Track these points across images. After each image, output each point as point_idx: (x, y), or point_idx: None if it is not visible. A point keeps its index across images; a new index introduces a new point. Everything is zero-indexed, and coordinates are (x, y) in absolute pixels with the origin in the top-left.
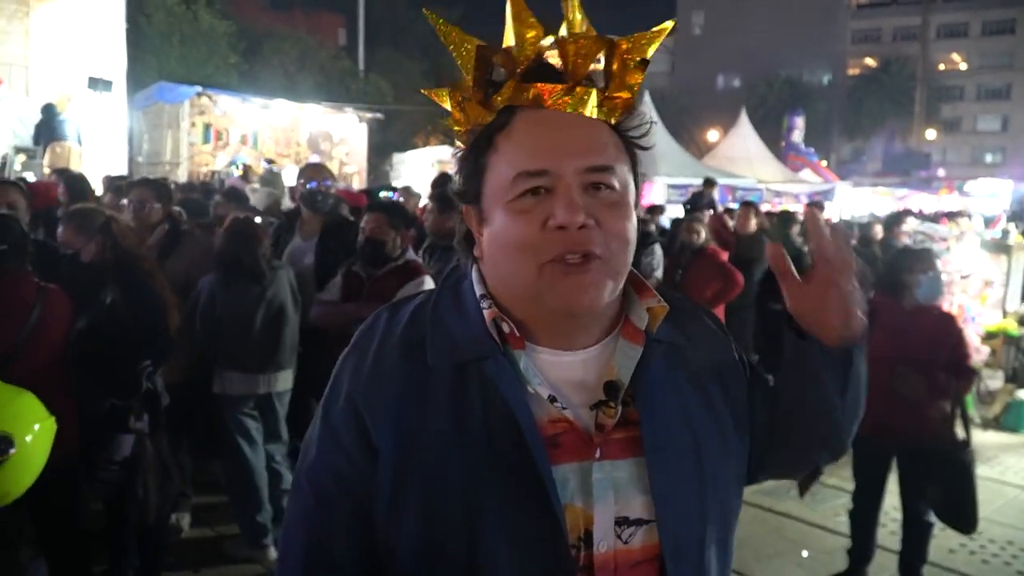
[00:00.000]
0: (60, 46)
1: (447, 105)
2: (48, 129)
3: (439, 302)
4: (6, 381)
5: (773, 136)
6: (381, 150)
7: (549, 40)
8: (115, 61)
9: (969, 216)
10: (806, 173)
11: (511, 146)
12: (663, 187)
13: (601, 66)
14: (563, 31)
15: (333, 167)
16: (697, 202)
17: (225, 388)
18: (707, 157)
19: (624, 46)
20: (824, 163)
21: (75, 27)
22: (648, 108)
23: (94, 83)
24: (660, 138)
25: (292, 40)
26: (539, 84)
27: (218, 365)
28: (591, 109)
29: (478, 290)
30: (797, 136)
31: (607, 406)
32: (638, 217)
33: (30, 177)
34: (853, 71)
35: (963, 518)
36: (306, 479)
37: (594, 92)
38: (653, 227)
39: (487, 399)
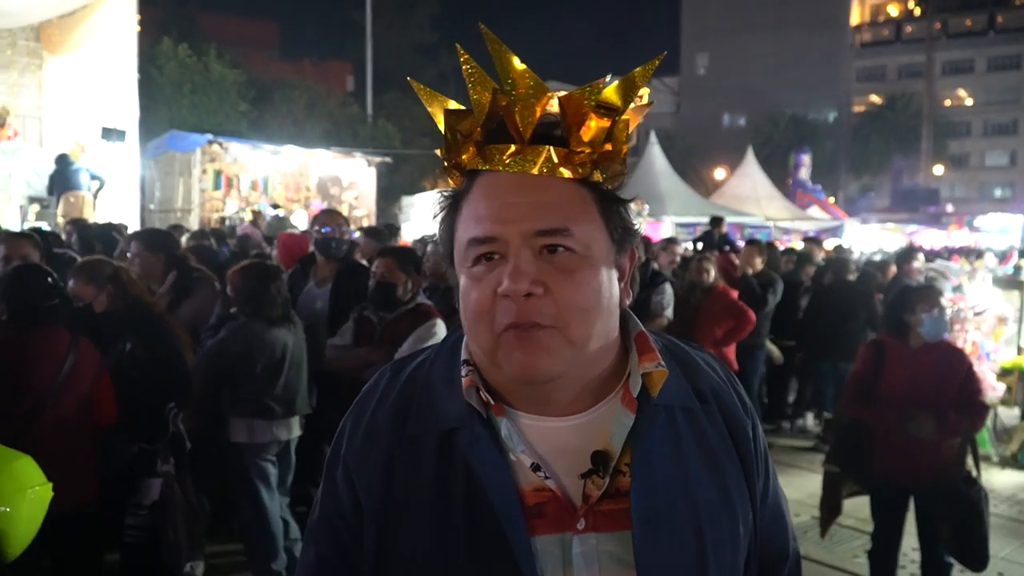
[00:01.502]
0: (73, 97)
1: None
2: (62, 179)
3: (434, 365)
4: (37, 426)
5: (780, 174)
6: (390, 193)
7: (503, 100)
8: (127, 111)
9: (982, 254)
10: (814, 210)
11: (467, 211)
12: (671, 226)
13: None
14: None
15: (342, 211)
16: (708, 241)
17: (251, 437)
18: (714, 196)
19: (576, 97)
20: (832, 200)
21: (88, 78)
22: (654, 148)
23: (107, 133)
24: (667, 178)
25: (301, 88)
26: (493, 146)
27: (240, 414)
28: (549, 168)
29: (463, 355)
30: (804, 173)
31: (596, 476)
32: (643, 258)
33: (44, 226)
34: (859, 108)
35: (974, 555)
36: (310, 535)
37: (548, 149)
38: (656, 265)
39: (468, 470)
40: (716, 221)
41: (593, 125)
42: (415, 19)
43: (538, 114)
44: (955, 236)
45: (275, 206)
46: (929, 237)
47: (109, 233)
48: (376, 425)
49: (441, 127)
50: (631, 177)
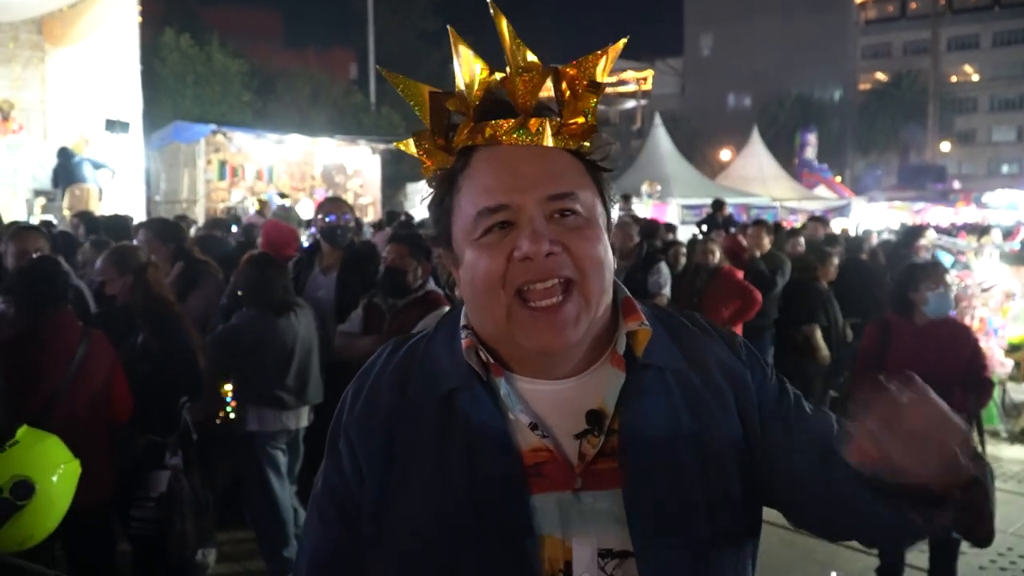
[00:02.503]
0: (76, 90)
1: (414, 153)
2: (66, 172)
3: (434, 337)
4: (49, 421)
5: (786, 154)
6: (394, 181)
7: (498, 77)
8: (131, 103)
9: (988, 230)
10: (821, 190)
11: (471, 185)
12: (677, 208)
13: (553, 95)
14: (507, 62)
15: (348, 199)
16: (712, 224)
17: (262, 425)
18: (720, 177)
19: (571, 72)
20: (838, 179)
21: (90, 71)
22: (659, 130)
23: (111, 125)
24: (672, 160)
25: (304, 77)
26: (492, 122)
27: (252, 402)
28: (547, 139)
29: (462, 321)
30: (810, 153)
31: (592, 435)
32: (638, 238)
33: (52, 219)
34: (864, 86)
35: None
36: (314, 503)
37: (547, 122)
38: (646, 245)
39: (468, 431)
40: (718, 204)
41: (585, 99)
42: (418, 5)
43: (540, 88)
44: (963, 213)
45: (282, 195)
46: (937, 214)
47: (118, 225)
48: (376, 394)
49: (417, 110)
50: (637, 159)
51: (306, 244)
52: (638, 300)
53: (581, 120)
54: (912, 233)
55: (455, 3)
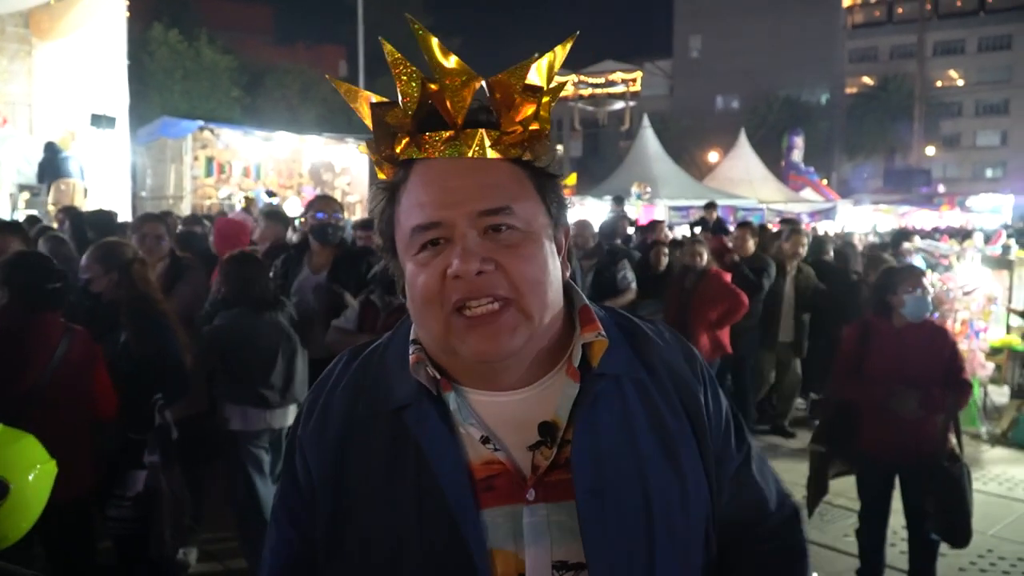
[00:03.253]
0: (63, 84)
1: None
2: (52, 167)
3: (388, 349)
4: (27, 418)
5: (773, 156)
6: None
7: (434, 88)
8: (118, 97)
9: (970, 234)
10: (807, 192)
11: (407, 200)
12: (664, 210)
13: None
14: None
15: (335, 197)
16: (704, 226)
17: (246, 424)
18: (708, 179)
19: (503, 80)
20: (825, 182)
21: (77, 65)
22: (647, 132)
23: (97, 120)
24: (660, 161)
25: (294, 73)
26: (427, 135)
27: (235, 401)
28: (484, 150)
29: (411, 335)
30: (797, 155)
31: (544, 447)
32: (593, 240)
33: (36, 214)
34: (851, 90)
35: (957, 532)
36: (273, 516)
37: (481, 132)
38: (606, 243)
39: (417, 445)
40: (710, 206)
41: (521, 106)
42: (408, 2)
43: (468, 99)
44: (947, 216)
45: (270, 193)
46: (921, 218)
47: (102, 220)
48: (329, 407)
49: (367, 121)
50: (625, 161)
51: (294, 240)
52: (598, 305)
53: (519, 129)
54: (898, 237)
55: (444, 1)
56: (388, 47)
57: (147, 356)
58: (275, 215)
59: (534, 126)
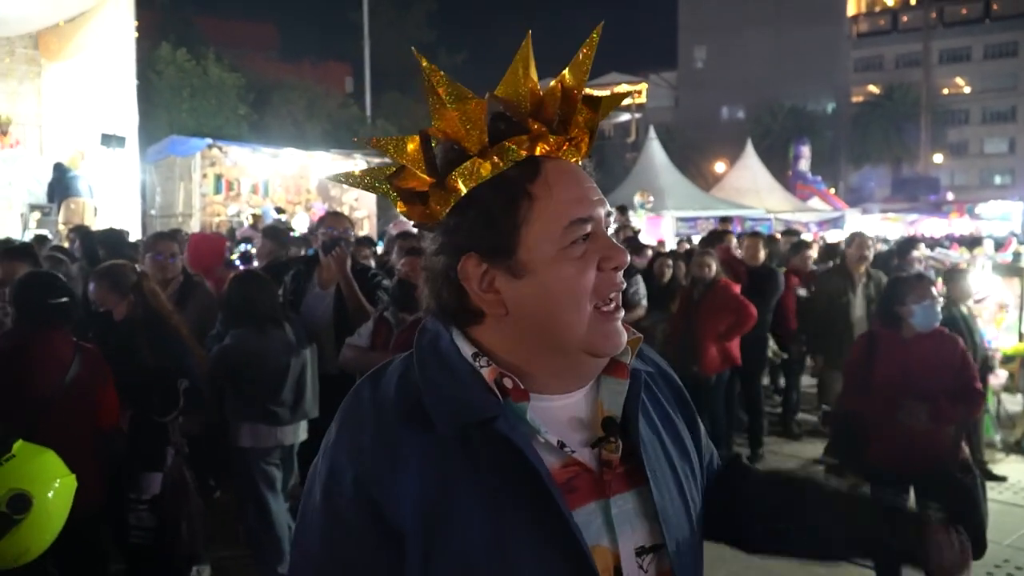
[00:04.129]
0: (72, 104)
1: (406, 161)
2: (61, 186)
3: (424, 366)
4: (40, 434)
5: (780, 166)
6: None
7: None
8: (127, 117)
9: (980, 241)
10: (815, 201)
11: (555, 194)
12: (671, 220)
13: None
14: (565, 84)
15: (344, 212)
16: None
17: (256, 441)
18: (715, 189)
19: (605, 98)
20: (832, 191)
21: (87, 85)
22: (653, 143)
23: (107, 139)
24: (666, 172)
25: (300, 90)
26: (555, 137)
27: (246, 418)
28: (584, 154)
29: (467, 349)
30: (804, 165)
31: (608, 442)
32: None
33: (47, 234)
34: (857, 98)
35: (971, 542)
36: (312, 567)
37: (586, 139)
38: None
39: (499, 457)
40: (724, 220)
41: (594, 119)
42: (412, 18)
43: (577, 108)
44: (956, 224)
45: (279, 210)
46: (930, 226)
47: (113, 238)
48: (387, 435)
49: (460, 115)
50: (632, 172)
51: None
52: (626, 318)
53: (588, 135)
54: (906, 245)
55: (449, 16)
56: (527, 46)
57: (164, 370)
58: (273, 232)
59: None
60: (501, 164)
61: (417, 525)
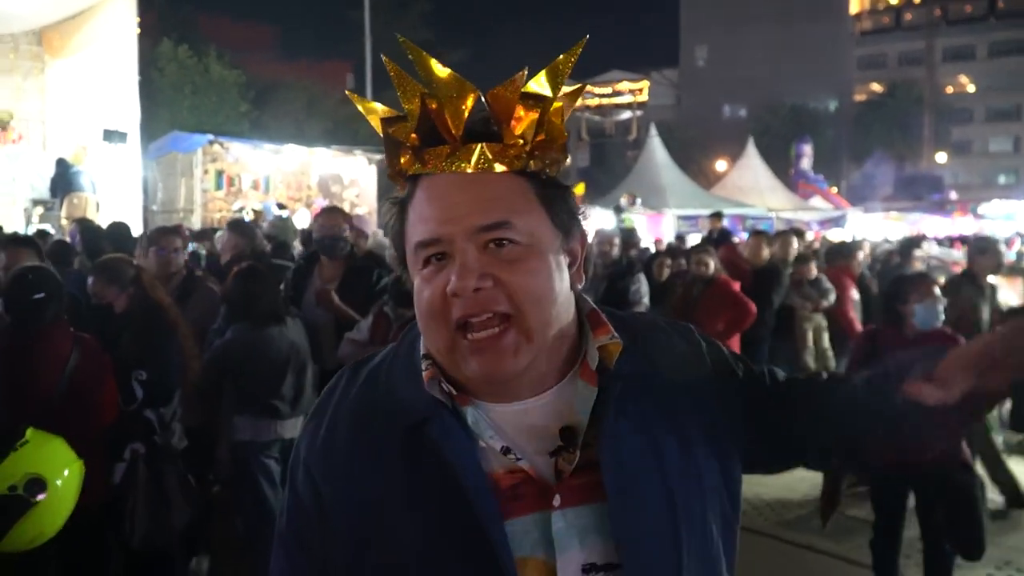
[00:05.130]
0: (75, 100)
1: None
2: (63, 181)
3: (394, 363)
4: (44, 427)
5: (781, 164)
6: (391, 191)
7: (433, 105)
8: (129, 113)
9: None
10: (816, 200)
11: (412, 215)
12: (672, 219)
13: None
14: (431, 88)
15: (344, 209)
16: (718, 237)
17: (256, 435)
18: (716, 187)
19: (501, 92)
20: (834, 190)
21: (89, 82)
22: (654, 141)
23: (109, 135)
24: (668, 170)
25: (300, 87)
26: (430, 150)
27: (246, 412)
28: (485, 164)
29: (421, 350)
30: (806, 163)
31: (567, 452)
32: (616, 250)
33: (49, 229)
34: (859, 97)
35: (968, 544)
36: (280, 542)
37: (481, 146)
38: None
39: (438, 461)
40: (715, 215)
41: (523, 117)
42: (412, 16)
43: (465, 113)
44: (959, 223)
45: (280, 206)
46: (933, 225)
47: (117, 232)
48: (336, 425)
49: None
50: (632, 170)
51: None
52: (606, 309)
53: (521, 141)
54: (908, 244)
55: (448, 14)
56: (391, 64)
57: (120, 360)
58: (239, 226)
59: (540, 136)
60: (401, 181)
61: (346, 515)
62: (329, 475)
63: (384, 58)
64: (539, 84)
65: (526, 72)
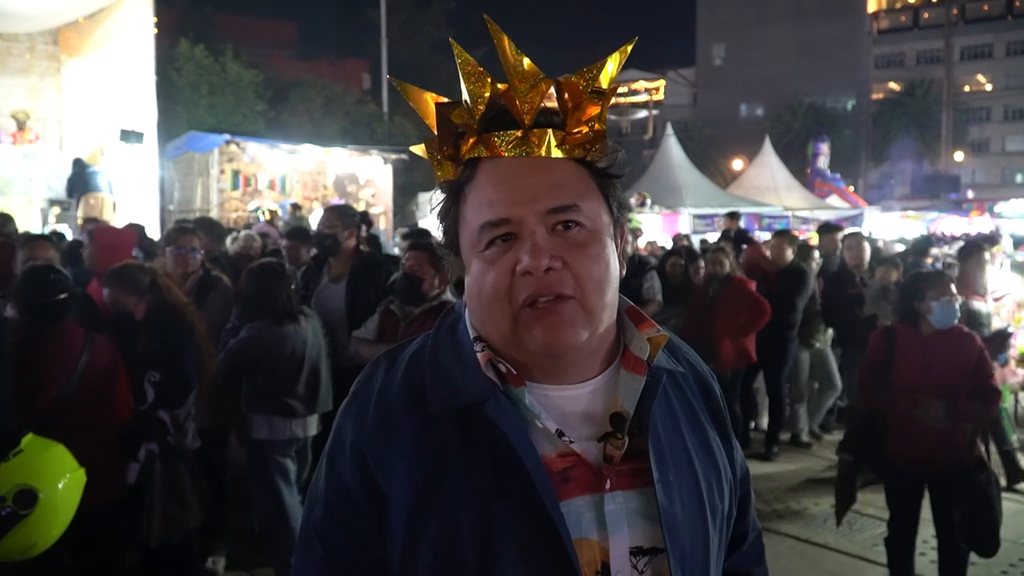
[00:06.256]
0: (92, 100)
1: (427, 158)
2: (80, 182)
3: (437, 346)
4: (54, 428)
5: (798, 163)
6: (407, 190)
7: (500, 88)
8: (146, 113)
9: (998, 239)
10: (833, 199)
11: (475, 198)
12: (688, 218)
13: (557, 104)
14: (507, 73)
15: (359, 208)
16: (739, 237)
17: (272, 434)
18: (733, 186)
19: (573, 82)
20: (851, 188)
21: (106, 81)
22: (671, 140)
23: (126, 135)
24: (684, 169)
25: (317, 87)
26: (496, 134)
27: (262, 411)
28: (551, 150)
29: (471, 332)
30: (823, 162)
31: (614, 438)
32: (633, 247)
33: (65, 229)
34: (877, 96)
35: (984, 541)
36: (315, 534)
37: (550, 133)
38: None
39: (493, 441)
40: (732, 216)
41: (588, 108)
42: (430, 16)
43: (537, 101)
44: (977, 223)
45: (295, 207)
46: (950, 224)
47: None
48: (388, 409)
49: (427, 120)
50: (649, 169)
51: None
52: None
53: (585, 129)
54: (923, 244)
55: (468, 14)
56: (458, 48)
57: (155, 359)
58: (207, 225)
59: (597, 127)
60: (452, 166)
61: (402, 496)
62: (384, 457)
63: (452, 41)
64: (605, 78)
65: (607, 61)
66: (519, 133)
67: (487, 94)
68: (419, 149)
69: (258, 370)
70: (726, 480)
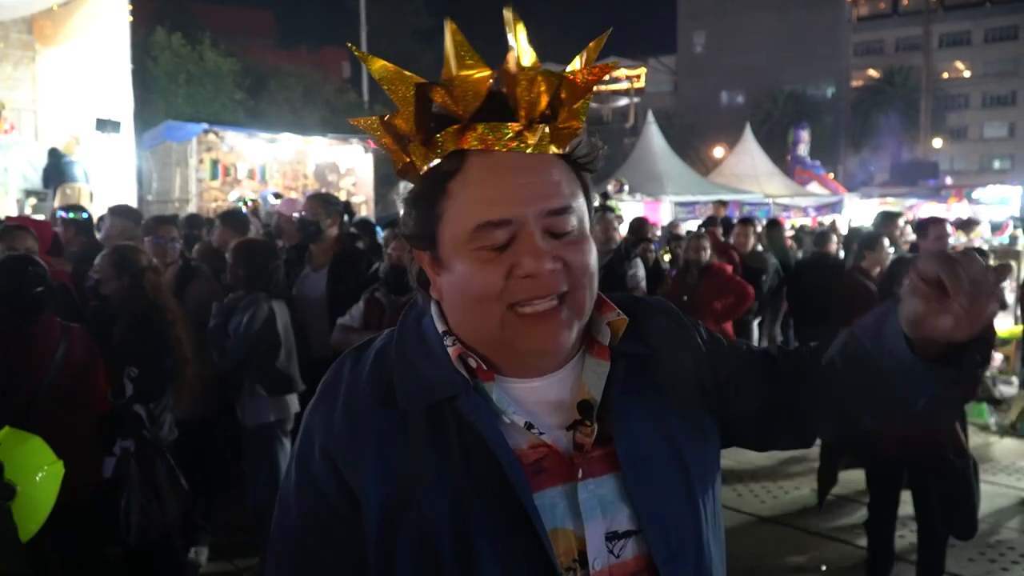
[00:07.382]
0: (67, 89)
1: (378, 136)
2: (56, 172)
3: (403, 343)
4: (32, 419)
5: (779, 151)
6: (388, 179)
7: (486, 74)
8: (122, 102)
9: (975, 225)
10: (813, 186)
11: (468, 194)
12: (670, 205)
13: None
14: (511, 65)
15: (340, 197)
16: (712, 223)
17: (278, 413)
18: (713, 174)
19: (577, 78)
20: (831, 175)
21: (81, 71)
22: (652, 128)
23: (102, 125)
24: (665, 157)
25: (297, 76)
26: (491, 125)
27: (271, 391)
28: (543, 146)
29: (439, 327)
30: (803, 150)
31: (583, 425)
32: (617, 235)
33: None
34: (857, 83)
35: (961, 525)
36: (290, 538)
37: (546, 129)
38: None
39: (464, 436)
40: (720, 204)
41: (581, 102)
42: (411, 4)
43: (540, 95)
44: (955, 209)
45: (277, 195)
46: (929, 210)
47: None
48: (354, 409)
49: (395, 99)
50: (630, 157)
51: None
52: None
53: (575, 124)
54: (886, 219)
55: (448, 2)
56: (454, 27)
57: (133, 355)
58: (125, 211)
59: (581, 120)
60: (432, 157)
61: (375, 497)
62: (353, 457)
63: (448, 21)
64: (596, 73)
65: (613, 62)
66: (517, 127)
67: (484, 83)
68: (369, 123)
69: (269, 344)
70: (717, 452)
